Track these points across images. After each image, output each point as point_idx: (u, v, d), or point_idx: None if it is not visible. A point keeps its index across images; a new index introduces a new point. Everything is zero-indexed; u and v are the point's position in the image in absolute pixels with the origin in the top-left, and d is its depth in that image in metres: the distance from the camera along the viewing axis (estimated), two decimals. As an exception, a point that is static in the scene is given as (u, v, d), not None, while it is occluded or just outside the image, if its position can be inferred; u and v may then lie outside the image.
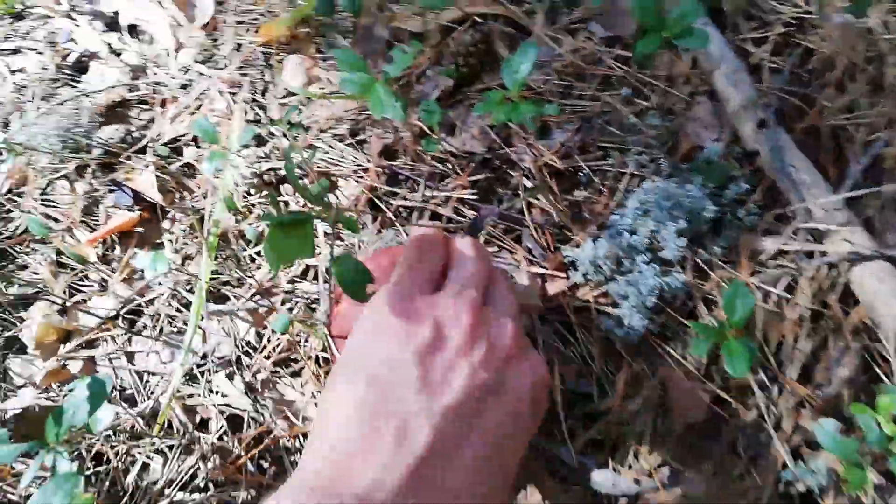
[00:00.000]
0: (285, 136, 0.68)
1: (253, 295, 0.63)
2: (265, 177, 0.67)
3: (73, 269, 0.67)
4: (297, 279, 0.62)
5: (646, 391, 0.53)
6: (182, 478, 0.57)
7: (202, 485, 0.56)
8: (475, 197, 0.61)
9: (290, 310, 0.61)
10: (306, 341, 0.60)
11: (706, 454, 0.51)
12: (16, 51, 0.78)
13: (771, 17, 0.62)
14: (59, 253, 0.68)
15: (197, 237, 0.67)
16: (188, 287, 0.64)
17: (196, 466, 0.57)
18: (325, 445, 0.35)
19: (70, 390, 0.43)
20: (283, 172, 0.67)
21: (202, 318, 0.62)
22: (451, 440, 0.34)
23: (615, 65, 0.63)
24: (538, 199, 0.60)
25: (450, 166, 0.63)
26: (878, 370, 0.51)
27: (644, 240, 0.54)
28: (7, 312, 0.66)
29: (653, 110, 0.61)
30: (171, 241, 0.67)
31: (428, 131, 0.63)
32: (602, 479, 0.51)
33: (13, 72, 0.76)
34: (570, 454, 0.53)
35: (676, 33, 0.46)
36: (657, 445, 0.52)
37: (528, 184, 0.62)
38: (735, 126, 0.59)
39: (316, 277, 0.62)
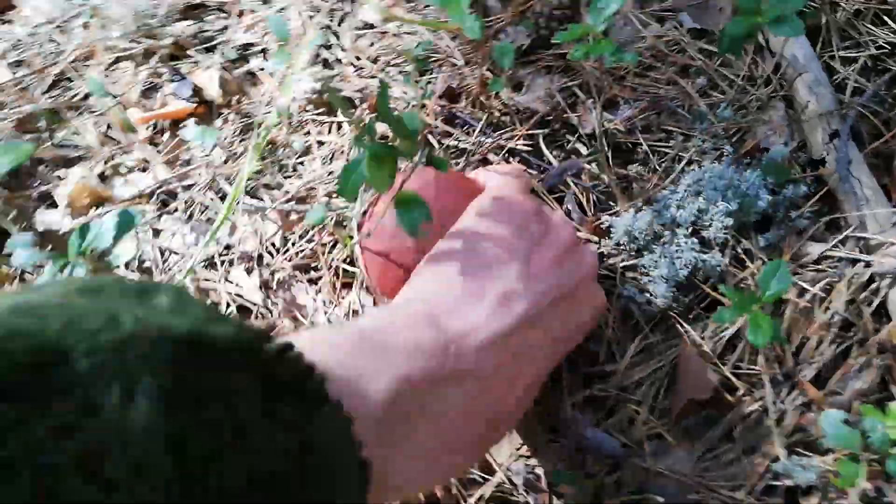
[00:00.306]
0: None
1: (288, 199, 0.77)
2: (325, 96, 0.82)
3: (118, 143, 0.83)
4: (334, 194, 0.76)
5: (655, 362, 0.63)
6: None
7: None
8: (528, 150, 0.74)
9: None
10: (330, 252, 0.73)
11: (700, 436, 0.60)
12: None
13: (865, 39, 0.74)
14: (108, 127, 0.85)
15: (245, 140, 0.82)
16: (228, 181, 0.79)
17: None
18: (437, 287, 0.51)
19: (84, 225, 0.56)
20: (344, 93, 0.82)
21: (234, 212, 0.76)
22: (536, 319, 0.50)
23: (697, 56, 0.76)
24: (589, 165, 0.73)
25: (508, 119, 0.76)
26: (895, 390, 0.59)
27: (690, 217, 0.65)
28: (48, 168, 0.82)
29: (726, 104, 0.73)
30: (219, 137, 0.82)
31: (494, 76, 0.77)
32: (593, 435, 0.61)
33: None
34: (565, 407, 0.63)
35: (773, 17, 0.58)
36: (653, 416, 0.61)
37: (584, 150, 0.74)
38: (806, 134, 0.70)
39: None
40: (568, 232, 0.57)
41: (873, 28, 0.75)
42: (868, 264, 0.62)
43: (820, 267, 0.64)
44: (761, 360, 0.61)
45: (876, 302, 0.61)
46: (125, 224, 0.53)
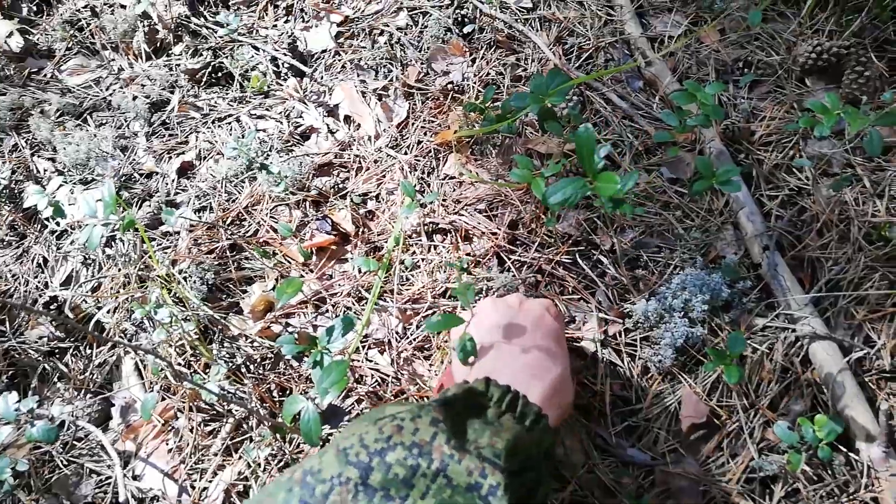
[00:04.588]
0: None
1: (406, 301, 1.01)
2: (423, 227, 1.08)
3: (283, 266, 1.07)
4: (439, 296, 1.01)
5: (666, 401, 0.87)
6: (345, 410, 0.93)
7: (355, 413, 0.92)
8: (569, 261, 1.00)
9: (433, 314, 0.99)
10: (438, 334, 0.97)
11: (701, 447, 0.84)
12: (261, 117, 1.26)
13: (781, 184, 1.03)
14: (274, 254, 1.09)
15: (372, 258, 1.07)
16: (362, 289, 1.03)
17: (352, 405, 0.93)
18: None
19: (330, 326, 0.79)
20: (439, 225, 1.08)
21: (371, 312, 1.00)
22: (510, 346, 0.72)
23: (675, 196, 1.04)
24: (610, 269, 0.99)
25: (552, 240, 1.02)
26: (820, 410, 0.84)
27: (680, 304, 0.91)
28: (235, 286, 1.06)
29: (695, 228, 1.00)
30: (351, 258, 1.07)
31: (544, 215, 1.04)
32: (631, 453, 0.84)
33: (258, 130, 1.23)
34: (610, 436, 0.86)
35: (721, 181, 0.86)
36: (669, 437, 0.85)
37: (605, 260, 1.01)
38: (748, 247, 0.97)
39: (454, 297, 1.00)
40: (535, 310, 0.77)
41: (787, 176, 1.03)
42: (794, 330, 0.88)
43: (764, 333, 0.89)
44: (734, 395, 0.85)
45: (801, 354, 0.87)
46: (348, 324, 0.76)
